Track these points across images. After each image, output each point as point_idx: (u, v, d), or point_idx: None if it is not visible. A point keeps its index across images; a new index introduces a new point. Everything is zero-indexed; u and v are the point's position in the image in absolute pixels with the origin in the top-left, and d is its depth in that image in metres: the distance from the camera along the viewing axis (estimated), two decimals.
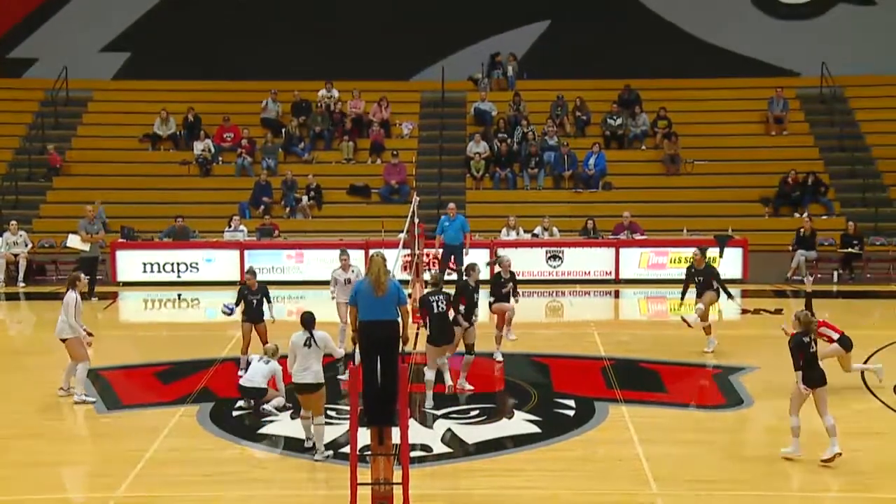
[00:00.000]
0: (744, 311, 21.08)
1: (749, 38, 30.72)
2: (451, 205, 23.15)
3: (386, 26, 30.49)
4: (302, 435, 12.28)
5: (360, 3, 30.76)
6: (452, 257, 22.11)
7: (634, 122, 28.76)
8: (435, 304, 13.75)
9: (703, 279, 16.67)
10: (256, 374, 13.78)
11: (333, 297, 16.41)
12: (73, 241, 22.34)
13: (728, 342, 18.07)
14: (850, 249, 23.92)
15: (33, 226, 26.11)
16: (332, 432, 12.53)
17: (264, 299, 15.37)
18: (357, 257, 22.31)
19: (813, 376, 11.64)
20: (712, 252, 23.53)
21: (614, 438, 12.70)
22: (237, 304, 15.33)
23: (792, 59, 30.64)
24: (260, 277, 23.13)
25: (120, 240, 23.85)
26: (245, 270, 15.83)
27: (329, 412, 12.64)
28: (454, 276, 19.92)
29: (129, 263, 23.38)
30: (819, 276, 23.91)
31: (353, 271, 16.27)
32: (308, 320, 11.83)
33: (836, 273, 24.02)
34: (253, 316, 15.28)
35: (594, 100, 29.50)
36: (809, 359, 11.68)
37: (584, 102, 29.22)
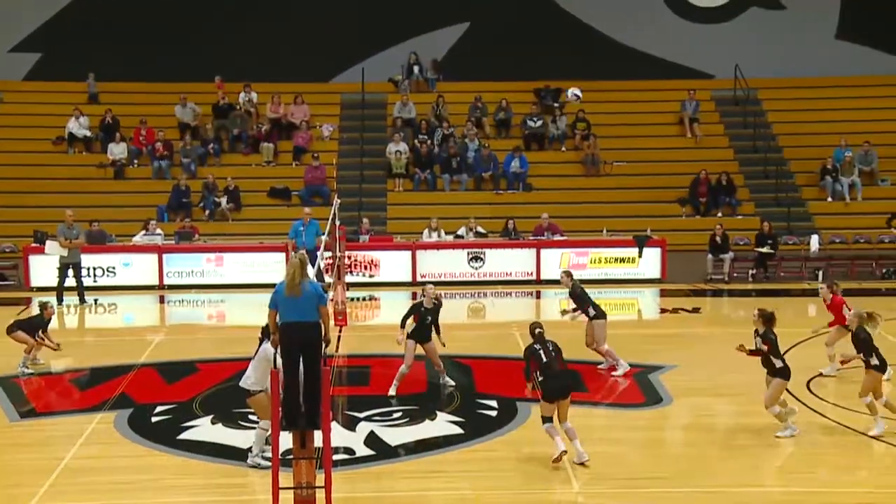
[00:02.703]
0: (662, 311, 21.40)
1: (664, 40, 31.14)
2: (307, 209, 23.48)
3: (305, 28, 30.28)
4: (224, 440, 12.14)
5: (280, 4, 30.52)
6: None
7: (555, 124, 28.98)
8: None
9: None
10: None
11: None
12: (52, 248, 21.68)
13: (647, 341, 18.31)
14: (764, 249, 24.38)
15: None
16: (253, 436, 12.41)
17: None
18: (277, 260, 22.22)
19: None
20: (631, 252, 23.92)
21: (537, 438, 12.74)
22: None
23: (706, 62, 31.12)
24: (180, 281, 23.21)
25: (33, 244, 23.28)
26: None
27: (250, 416, 12.51)
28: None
29: (44, 268, 22.81)
30: (735, 274, 24.39)
31: None
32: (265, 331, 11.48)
33: (750, 272, 24.47)
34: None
35: (514, 101, 29.66)
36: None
37: (509, 104, 29.37)
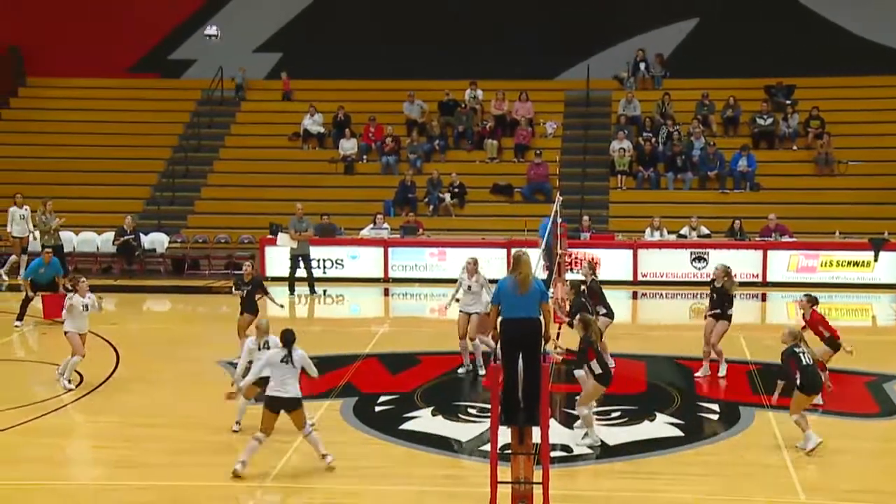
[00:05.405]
0: None
1: None
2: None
3: (530, 26, 30.43)
4: (443, 432, 12.40)
5: (505, 3, 30.80)
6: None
7: (786, 122, 28.02)
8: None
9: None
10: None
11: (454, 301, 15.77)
12: (283, 240, 22.96)
13: (882, 348, 17.49)
14: None
15: (188, 222, 27.04)
16: (474, 430, 12.62)
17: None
18: (499, 256, 22.43)
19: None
20: (866, 256, 22.85)
21: (761, 444, 12.42)
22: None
23: None
24: (404, 275, 23.85)
25: (269, 236, 24.44)
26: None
27: (470, 410, 12.74)
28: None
29: (277, 259, 23.94)
30: None
31: (476, 279, 15.50)
32: (288, 338, 11.90)
33: None
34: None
35: (743, 98, 28.84)
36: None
37: (738, 101, 28.59)
